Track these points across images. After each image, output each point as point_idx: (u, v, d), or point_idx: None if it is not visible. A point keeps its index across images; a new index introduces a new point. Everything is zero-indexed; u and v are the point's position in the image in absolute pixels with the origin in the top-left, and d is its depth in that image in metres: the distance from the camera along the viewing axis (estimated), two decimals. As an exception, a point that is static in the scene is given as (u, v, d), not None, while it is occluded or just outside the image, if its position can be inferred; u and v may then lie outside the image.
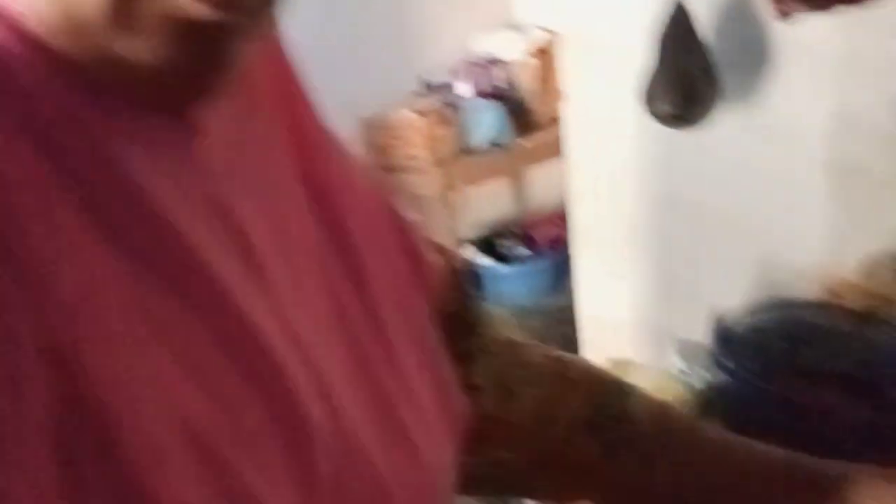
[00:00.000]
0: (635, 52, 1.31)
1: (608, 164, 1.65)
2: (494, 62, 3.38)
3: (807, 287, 1.40)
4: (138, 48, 0.28)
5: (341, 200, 0.43)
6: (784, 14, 1.01)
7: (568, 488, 0.58)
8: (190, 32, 0.28)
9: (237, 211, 0.34)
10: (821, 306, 1.23)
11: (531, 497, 0.70)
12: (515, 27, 3.17)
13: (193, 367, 0.30)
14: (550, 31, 3.13)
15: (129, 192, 0.30)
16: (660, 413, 0.58)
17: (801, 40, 1.21)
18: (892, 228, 1.29)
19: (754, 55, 1.27)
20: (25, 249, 0.26)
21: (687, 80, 1.18)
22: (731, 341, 1.18)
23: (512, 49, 3.33)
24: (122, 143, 0.30)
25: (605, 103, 1.58)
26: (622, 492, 0.57)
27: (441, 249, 0.53)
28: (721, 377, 1.16)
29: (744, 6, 1.24)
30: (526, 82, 3.37)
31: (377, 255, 0.45)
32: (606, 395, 0.57)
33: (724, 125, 1.34)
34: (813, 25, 1.05)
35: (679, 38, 1.17)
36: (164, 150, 0.32)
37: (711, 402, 1.23)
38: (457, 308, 0.53)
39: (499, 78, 3.30)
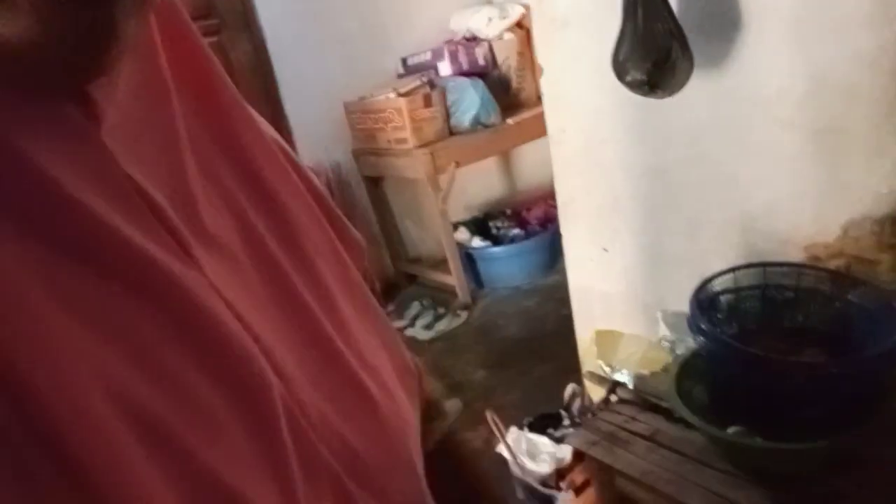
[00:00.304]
0: (604, 22, 1.31)
1: (587, 136, 1.65)
2: (475, 40, 3.36)
3: (790, 252, 1.41)
4: (13, 24, 0.26)
5: (265, 171, 0.43)
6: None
7: None
8: (66, 3, 0.27)
9: (150, 190, 0.34)
10: (801, 269, 1.24)
11: None
12: (494, 3, 3.14)
13: (130, 346, 0.30)
14: (526, 6, 3.10)
15: (34, 179, 0.29)
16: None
17: (763, 1, 1.21)
18: (871, 190, 1.29)
19: (720, 19, 1.26)
20: None
21: (657, 48, 1.17)
22: (709, 306, 1.19)
23: (491, 25, 3.30)
24: (24, 131, 0.29)
25: (579, 75, 1.57)
26: None
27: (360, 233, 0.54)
28: (701, 342, 1.16)
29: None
30: (507, 58, 3.35)
31: (309, 223, 0.45)
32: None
33: (698, 91, 1.33)
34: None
35: (646, 5, 1.16)
36: (67, 134, 0.31)
37: (694, 366, 1.24)
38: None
39: (480, 55, 3.29)
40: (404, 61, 3.40)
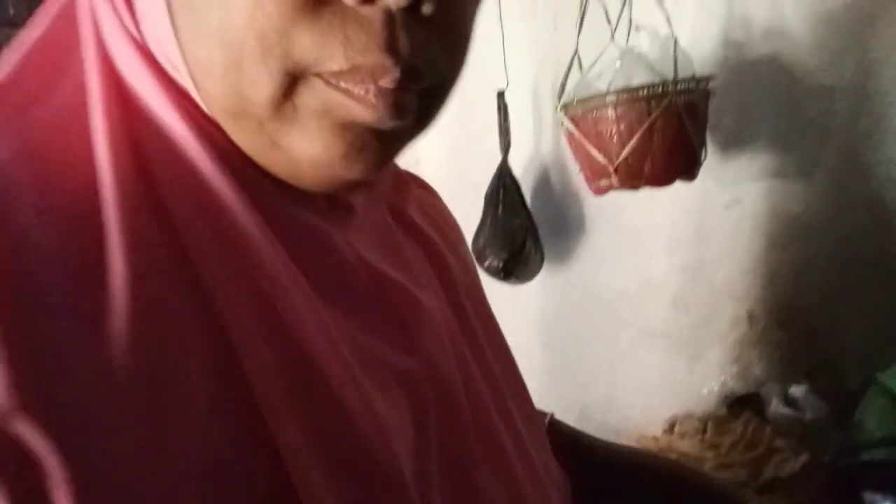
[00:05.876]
0: (470, 208, 1.42)
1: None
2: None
3: (623, 443, 1.47)
4: (299, 140, 0.32)
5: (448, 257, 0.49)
6: (600, 191, 1.13)
7: None
8: (356, 132, 0.32)
9: (386, 273, 0.40)
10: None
11: None
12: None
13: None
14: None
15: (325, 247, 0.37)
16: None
17: (607, 212, 1.36)
18: (694, 390, 1.40)
19: (568, 221, 1.40)
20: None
21: (513, 240, 1.28)
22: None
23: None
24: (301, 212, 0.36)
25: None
26: None
27: None
28: None
29: (561, 177, 1.39)
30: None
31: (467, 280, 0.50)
32: None
33: (549, 282, 1.44)
34: (617, 199, 1.18)
35: (504, 198, 1.28)
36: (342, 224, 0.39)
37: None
38: None
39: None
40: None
